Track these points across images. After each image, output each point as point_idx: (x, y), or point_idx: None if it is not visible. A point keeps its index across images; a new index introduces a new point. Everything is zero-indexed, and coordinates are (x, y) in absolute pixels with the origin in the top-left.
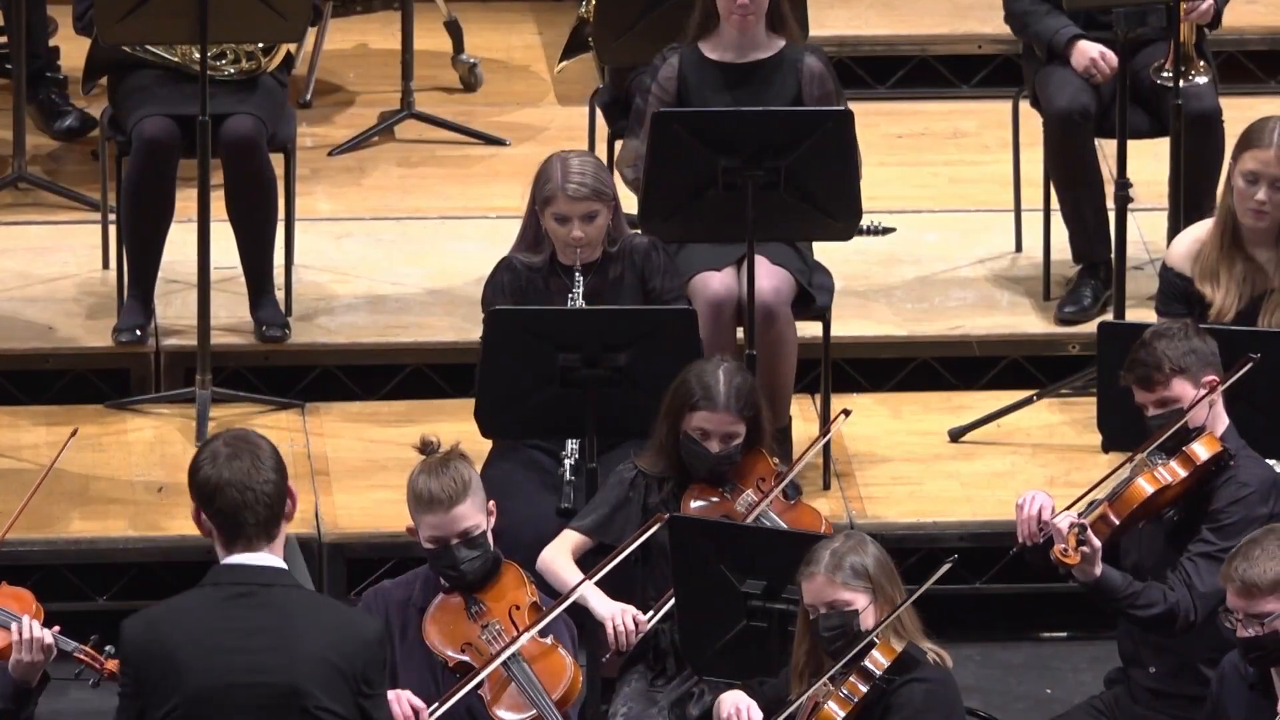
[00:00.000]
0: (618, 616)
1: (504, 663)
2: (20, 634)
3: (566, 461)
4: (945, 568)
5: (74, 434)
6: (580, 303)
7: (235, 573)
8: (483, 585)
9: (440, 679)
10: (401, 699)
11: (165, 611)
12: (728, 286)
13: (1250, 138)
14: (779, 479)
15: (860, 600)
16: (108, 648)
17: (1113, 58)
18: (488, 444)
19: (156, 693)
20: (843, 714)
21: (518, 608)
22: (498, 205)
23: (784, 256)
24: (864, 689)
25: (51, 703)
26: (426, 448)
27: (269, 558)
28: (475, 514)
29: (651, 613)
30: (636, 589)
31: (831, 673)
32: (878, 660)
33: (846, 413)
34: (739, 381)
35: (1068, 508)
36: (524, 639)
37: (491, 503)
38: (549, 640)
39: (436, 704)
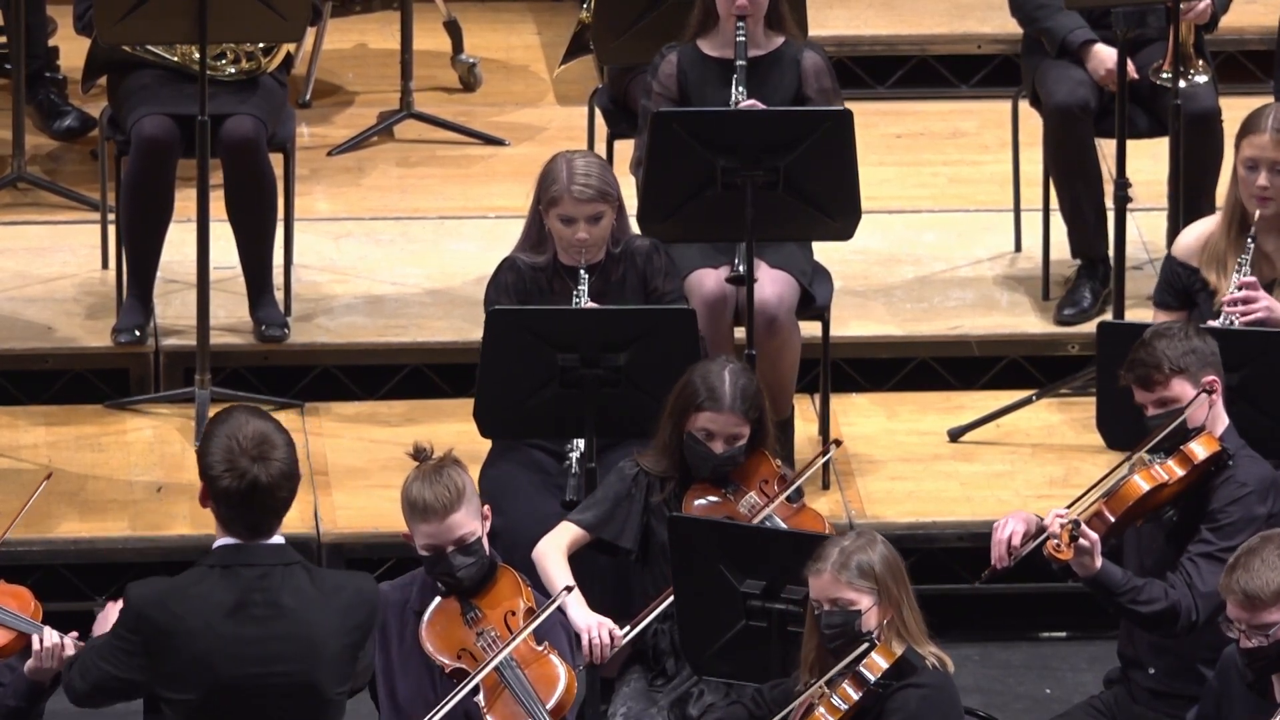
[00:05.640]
0: (593, 629)
1: (498, 669)
2: (42, 643)
3: (572, 455)
4: None
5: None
6: (586, 301)
7: (242, 554)
8: (479, 590)
9: (437, 684)
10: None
11: (178, 594)
12: (723, 284)
13: (1248, 125)
14: (782, 480)
15: (864, 600)
16: None
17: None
18: (487, 444)
19: (173, 675)
20: None
21: (513, 613)
22: (497, 205)
23: (787, 258)
24: (856, 696)
25: (48, 703)
26: (420, 454)
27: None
28: (470, 521)
29: (628, 628)
30: (636, 589)
31: (829, 676)
32: (875, 665)
33: (837, 443)
34: (744, 383)
35: (1066, 508)
36: (509, 649)
37: (486, 507)
38: (543, 647)
39: (432, 710)
